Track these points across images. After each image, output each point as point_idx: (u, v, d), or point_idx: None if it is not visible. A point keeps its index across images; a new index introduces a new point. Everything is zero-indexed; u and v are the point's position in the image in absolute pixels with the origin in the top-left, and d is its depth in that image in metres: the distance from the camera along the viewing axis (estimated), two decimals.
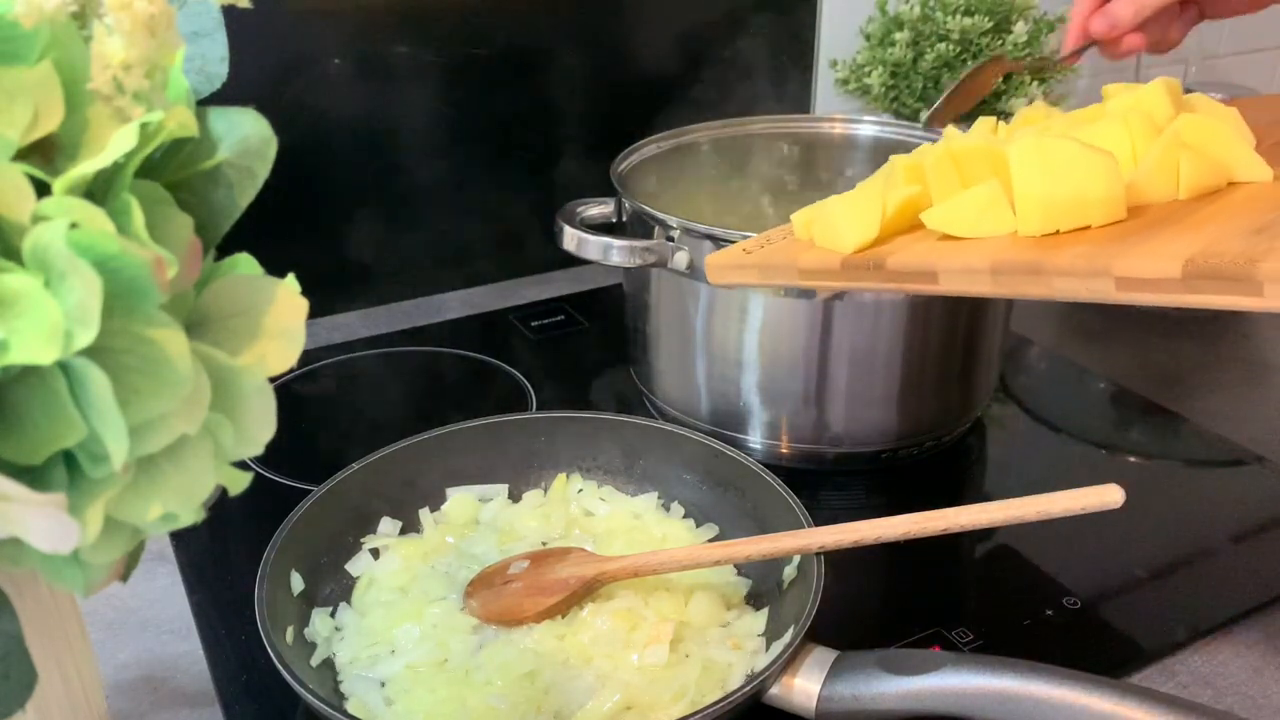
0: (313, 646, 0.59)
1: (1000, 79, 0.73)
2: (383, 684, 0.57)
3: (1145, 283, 0.46)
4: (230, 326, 0.32)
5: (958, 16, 1.09)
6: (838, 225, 0.58)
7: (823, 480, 0.78)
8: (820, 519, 0.60)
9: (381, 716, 0.55)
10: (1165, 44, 0.74)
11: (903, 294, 0.71)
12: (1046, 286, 0.50)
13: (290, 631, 0.58)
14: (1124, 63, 1.19)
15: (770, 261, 0.61)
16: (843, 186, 0.68)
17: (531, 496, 0.71)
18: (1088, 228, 0.52)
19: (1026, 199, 0.53)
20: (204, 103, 0.34)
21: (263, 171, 0.33)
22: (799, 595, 0.58)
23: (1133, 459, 0.83)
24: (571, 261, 0.92)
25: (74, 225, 0.27)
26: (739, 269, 0.63)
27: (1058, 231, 0.53)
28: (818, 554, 0.58)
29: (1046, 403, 0.91)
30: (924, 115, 1.02)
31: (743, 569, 0.65)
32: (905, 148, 0.69)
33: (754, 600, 0.63)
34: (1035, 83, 1.11)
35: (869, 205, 0.58)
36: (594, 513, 0.70)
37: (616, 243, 0.75)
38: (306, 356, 0.93)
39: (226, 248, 0.34)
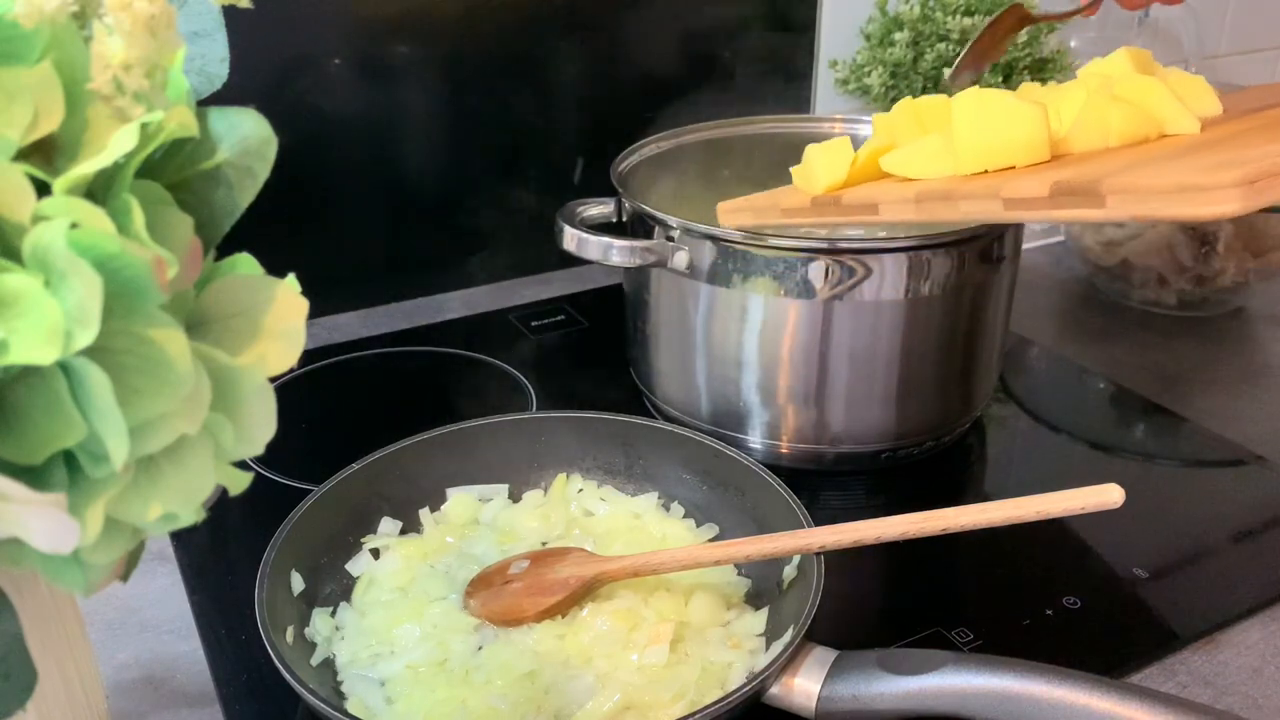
0: (313, 646, 0.59)
1: (1020, 31, 0.75)
2: (383, 684, 0.57)
3: (1023, 201, 0.55)
4: (230, 326, 0.32)
5: (958, 16, 1.09)
6: (814, 169, 0.69)
7: (823, 480, 0.78)
8: (820, 519, 0.60)
9: (381, 716, 0.55)
10: None
11: (898, 295, 0.71)
12: (954, 210, 0.59)
13: (290, 631, 0.58)
14: (1125, 37, 1.19)
15: (759, 204, 0.71)
16: None
17: (531, 496, 0.71)
18: (1013, 168, 0.60)
19: (962, 142, 0.61)
20: (204, 103, 0.34)
21: (263, 171, 0.33)
22: (799, 595, 0.58)
23: (1133, 459, 0.83)
24: (571, 261, 0.92)
25: (74, 225, 0.27)
26: (739, 211, 0.72)
27: (986, 171, 0.61)
28: (817, 554, 0.58)
29: (1046, 403, 0.91)
30: (946, 73, 1.04)
31: (743, 569, 0.65)
32: None
33: (754, 600, 0.63)
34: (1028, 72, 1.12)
35: (839, 152, 0.68)
36: (594, 513, 0.70)
37: (616, 243, 0.75)
38: (306, 356, 0.93)
39: (226, 248, 0.34)
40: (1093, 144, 0.60)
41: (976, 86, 0.63)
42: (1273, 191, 0.48)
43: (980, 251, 0.73)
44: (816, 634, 0.55)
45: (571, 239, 0.76)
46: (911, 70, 1.11)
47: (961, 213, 0.59)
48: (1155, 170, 0.52)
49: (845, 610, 0.64)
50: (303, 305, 0.33)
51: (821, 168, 0.68)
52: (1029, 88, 0.68)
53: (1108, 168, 0.55)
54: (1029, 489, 0.55)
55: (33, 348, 0.26)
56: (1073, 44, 1.22)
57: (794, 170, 0.72)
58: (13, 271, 0.27)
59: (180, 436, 0.29)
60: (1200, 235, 0.99)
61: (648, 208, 0.75)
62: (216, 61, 0.36)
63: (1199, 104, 0.63)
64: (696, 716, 0.49)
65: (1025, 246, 0.90)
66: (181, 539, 0.70)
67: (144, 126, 0.29)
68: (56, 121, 0.29)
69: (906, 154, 0.65)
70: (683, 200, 0.80)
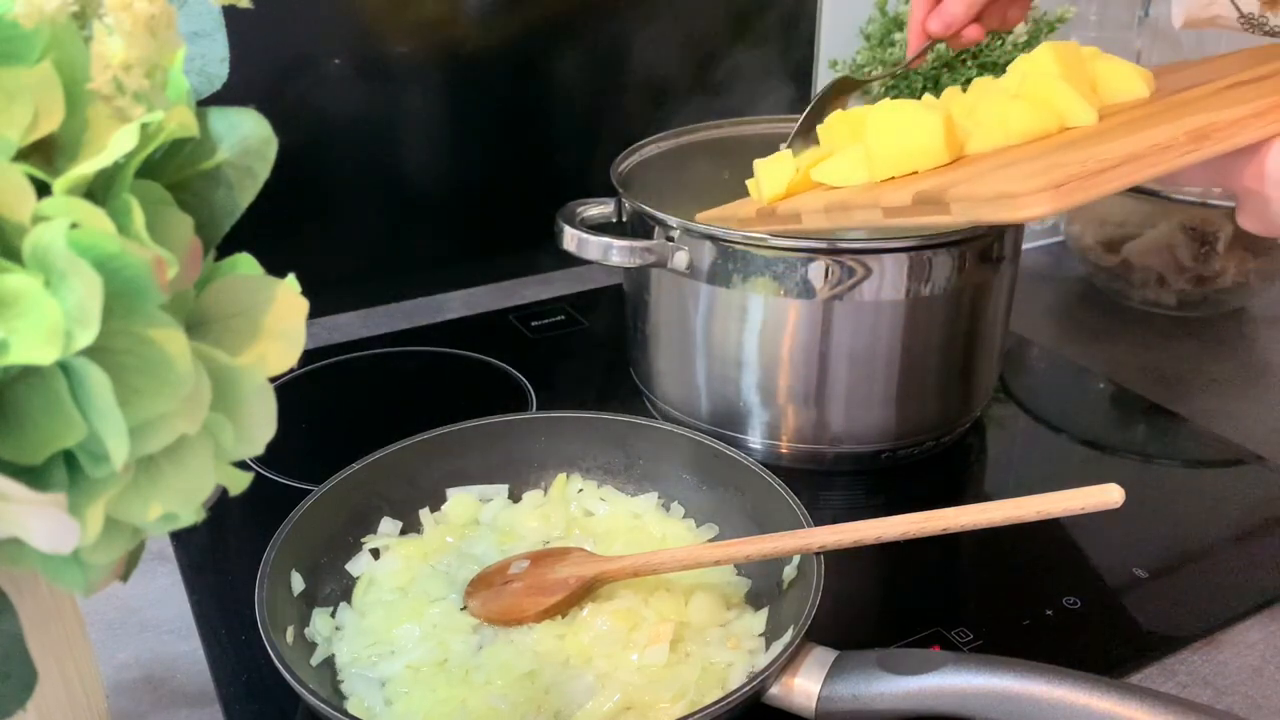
0: (313, 646, 0.59)
1: (852, 97, 0.81)
2: (383, 684, 0.57)
3: (896, 209, 0.60)
4: (230, 326, 0.32)
5: None
6: (761, 182, 0.73)
7: (823, 480, 0.78)
8: (820, 519, 0.60)
9: (381, 716, 0.55)
10: (1007, 25, 0.79)
11: (898, 295, 0.71)
12: (850, 218, 0.64)
13: (290, 631, 0.58)
14: (1125, 47, 1.19)
15: (724, 214, 0.75)
16: None
17: (531, 496, 0.71)
18: (916, 172, 0.64)
19: (873, 151, 0.65)
20: (204, 103, 0.34)
21: (263, 171, 0.33)
22: (799, 595, 0.58)
23: (1133, 459, 0.83)
24: (571, 261, 0.92)
25: (74, 225, 0.27)
26: (713, 219, 0.75)
27: (894, 177, 0.64)
28: (817, 554, 0.58)
29: (1046, 403, 0.91)
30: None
31: (743, 569, 0.65)
32: None
33: (754, 600, 0.63)
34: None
35: (781, 165, 0.72)
36: (594, 513, 0.70)
37: (616, 243, 0.75)
38: (306, 356, 0.93)
39: (226, 248, 0.34)
40: (995, 141, 0.63)
41: (889, 99, 0.67)
42: (1080, 193, 0.51)
43: (980, 251, 0.73)
44: (816, 634, 0.55)
45: (571, 239, 0.76)
46: (911, 70, 1.11)
47: (855, 220, 0.64)
48: (991, 179, 0.57)
49: (845, 610, 0.64)
50: (303, 305, 0.33)
51: (764, 180, 0.72)
52: (980, 82, 0.70)
53: (961, 176, 0.59)
54: (1029, 489, 0.55)
55: (33, 348, 0.26)
56: None
57: (748, 182, 0.75)
58: (13, 271, 0.27)
59: (180, 436, 0.29)
60: (1200, 235, 0.99)
61: (648, 208, 0.75)
62: (216, 61, 0.36)
63: (1123, 89, 0.65)
64: (696, 716, 0.49)
65: (1025, 246, 0.90)
66: (181, 539, 0.70)
67: (144, 126, 0.29)
68: (56, 121, 0.29)
69: (831, 164, 0.68)
70: (683, 200, 0.80)
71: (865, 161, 0.66)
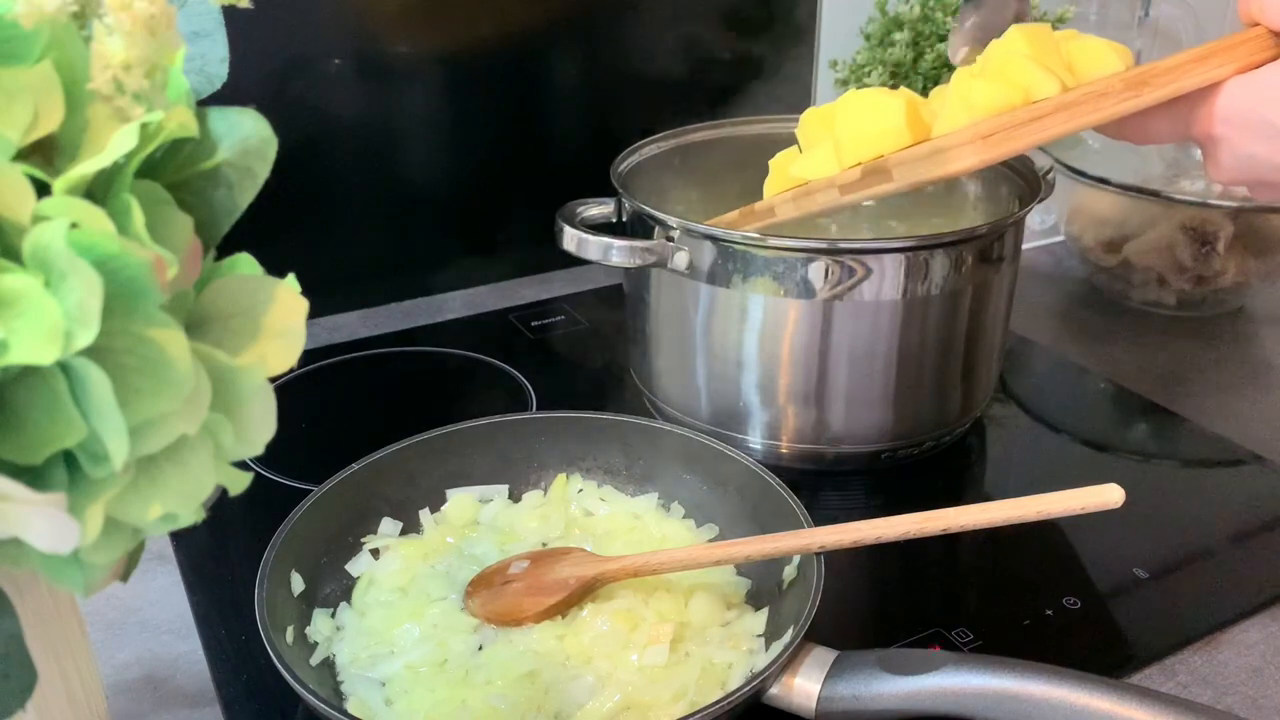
0: (313, 646, 0.59)
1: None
2: (383, 684, 0.57)
3: (848, 185, 0.63)
4: (230, 326, 0.32)
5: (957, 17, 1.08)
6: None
7: (823, 480, 0.78)
8: (820, 519, 0.60)
9: (381, 716, 0.55)
10: None
11: (898, 295, 0.71)
12: (814, 202, 0.67)
13: (290, 631, 0.58)
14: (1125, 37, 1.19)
15: (722, 219, 0.77)
16: None
17: (531, 497, 0.71)
18: (881, 156, 0.65)
19: (839, 140, 0.66)
20: (204, 103, 0.34)
21: (263, 171, 0.33)
22: (799, 595, 0.58)
23: (1133, 459, 0.83)
24: (571, 261, 0.92)
25: (74, 225, 0.27)
26: (719, 222, 0.77)
27: (860, 164, 0.65)
28: (817, 554, 0.58)
29: (1046, 403, 0.91)
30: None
31: (743, 569, 0.65)
32: None
33: (754, 600, 0.63)
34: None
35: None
36: (594, 513, 0.70)
37: (616, 243, 0.75)
38: (306, 356, 0.93)
39: (226, 248, 0.34)
40: (960, 119, 0.63)
41: (853, 89, 0.70)
42: (1009, 142, 0.52)
43: (980, 251, 0.73)
44: (816, 634, 0.55)
45: (571, 239, 0.76)
46: (911, 70, 1.11)
47: (818, 203, 0.67)
48: (927, 142, 0.59)
49: (845, 610, 0.64)
50: (303, 305, 0.33)
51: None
52: (961, 72, 0.70)
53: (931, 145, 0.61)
54: (1029, 489, 0.55)
55: (33, 348, 0.26)
56: None
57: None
58: (13, 271, 0.27)
59: (180, 436, 0.29)
60: (1200, 235, 0.99)
61: (648, 208, 0.75)
62: (216, 61, 0.36)
63: (1099, 65, 0.64)
64: (696, 716, 0.49)
65: (1025, 246, 0.90)
66: (181, 539, 0.70)
67: (144, 126, 0.29)
68: (56, 121, 0.29)
69: (805, 159, 0.70)
70: (683, 200, 0.80)
71: (835, 152, 0.67)
